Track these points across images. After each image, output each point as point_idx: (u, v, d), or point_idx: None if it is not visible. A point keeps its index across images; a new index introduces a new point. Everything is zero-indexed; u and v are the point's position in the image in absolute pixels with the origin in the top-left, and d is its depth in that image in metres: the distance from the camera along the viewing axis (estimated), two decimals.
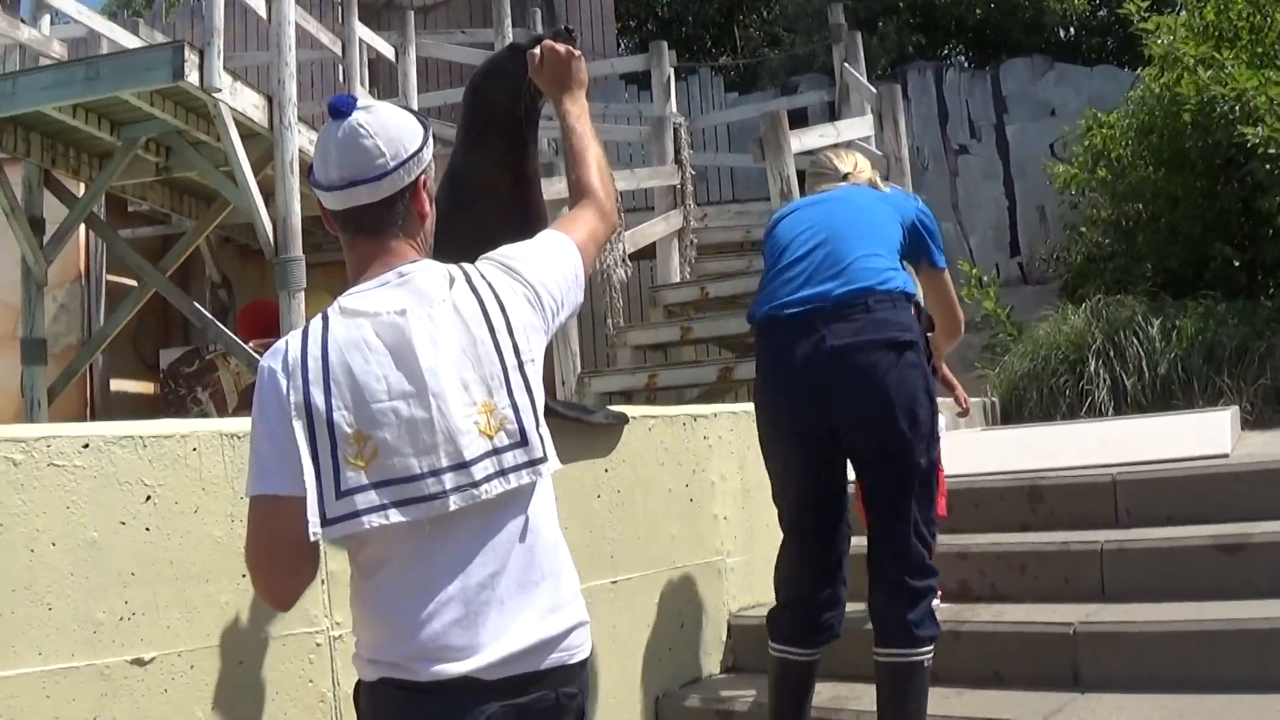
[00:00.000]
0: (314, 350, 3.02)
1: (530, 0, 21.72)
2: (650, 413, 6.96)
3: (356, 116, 3.16)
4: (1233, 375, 11.38)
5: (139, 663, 4.30)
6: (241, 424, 4.65)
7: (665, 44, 16.43)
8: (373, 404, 2.95)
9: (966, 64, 23.12)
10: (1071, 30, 24.20)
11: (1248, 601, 6.06)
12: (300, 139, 11.87)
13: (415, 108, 15.38)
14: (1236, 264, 13.40)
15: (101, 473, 4.29)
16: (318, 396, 2.94)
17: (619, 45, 25.49)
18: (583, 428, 6.29)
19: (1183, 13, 15.07)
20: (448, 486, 2.92)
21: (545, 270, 3.33)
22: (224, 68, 10.99)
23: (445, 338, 3.04)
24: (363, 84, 15.39)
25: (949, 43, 24.28)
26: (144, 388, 14.98)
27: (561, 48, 4.06)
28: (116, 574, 4.28)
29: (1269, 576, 6.24)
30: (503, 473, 2.99)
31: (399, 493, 2.90)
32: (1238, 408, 10.34)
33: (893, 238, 5.66)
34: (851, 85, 15.10)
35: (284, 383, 2.99)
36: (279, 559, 2.99)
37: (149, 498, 4.41)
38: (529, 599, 3.02)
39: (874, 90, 13.72)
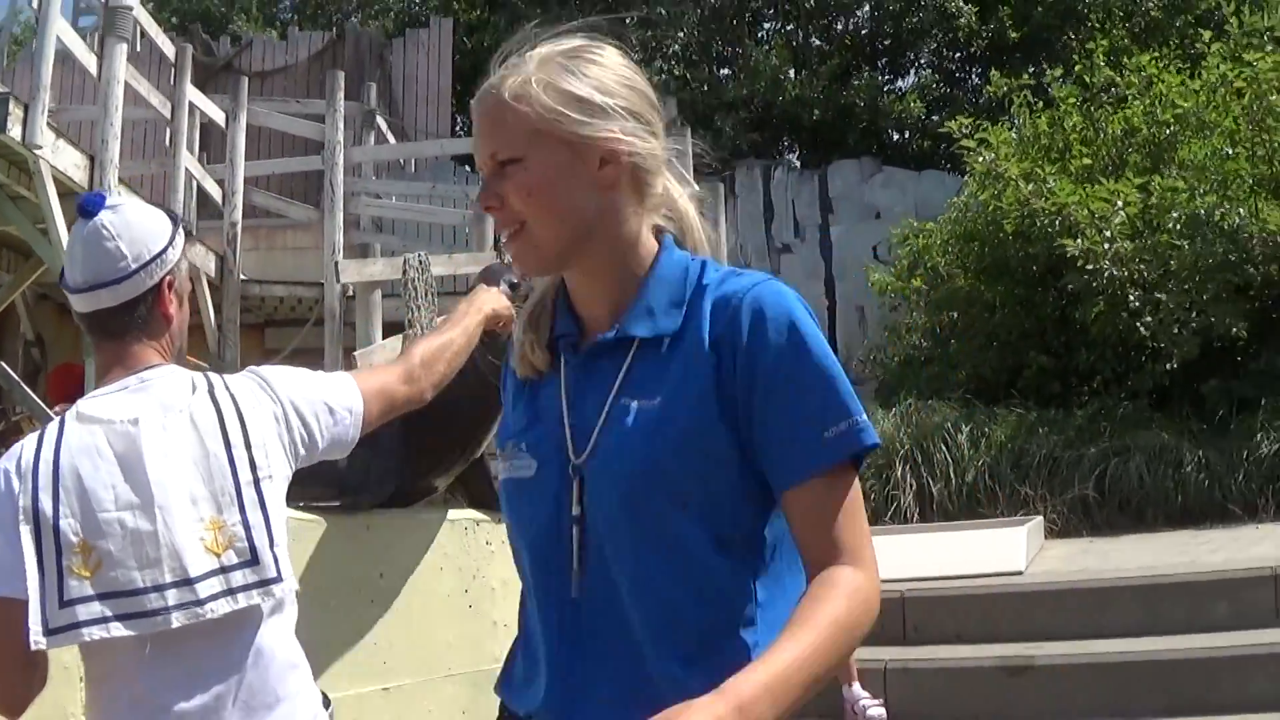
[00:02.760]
0: (47, 454, 2.91)
1: (368, 75, 21.61)
2: (430, 515, 6.74)
3: (102, 217, 3.07)
4: (1041, 484, 11.38)
5: None
6: None
7: None
8: (99, 513, 2.84)
9: (797, 163, 23.23)
10: (906, 133, 24.42)
11: None
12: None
13: (242, 173, 15.22)
14: (1051, 372, 13.43)
15: None
16: (46, 502, 2.83)
17: (455, 124, 25.38)
18: (355, 530, 6.06)
19: (1010, 127, 15.28)
20: (170, 603, 2.81)
21: (299, 392, 3.22)
22: (49, 123, 10.64)
23: (176, 449, 2.95)
24: (191, 148, 15.08)
25: (782, 141, 24.41)
26: None
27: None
28: None
29: (1053, 699, 6.16)
30: (230, 592, 2.88)
31: (121, 606, 2.79)
32: (1041, 519, 10.34)
33: None
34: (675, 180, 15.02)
35: (16, 485, 2.86)
36: (7, 663, 2.84)
37: None
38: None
39: (695, 188, 13.65)
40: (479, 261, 14.07)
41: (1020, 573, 7.65)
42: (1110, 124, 14.47)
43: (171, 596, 2.81)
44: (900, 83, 26.44)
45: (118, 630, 2.76)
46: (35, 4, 19.55)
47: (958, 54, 25.30)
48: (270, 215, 17.91)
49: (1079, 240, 12.40)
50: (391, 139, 20.58)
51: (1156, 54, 15.17)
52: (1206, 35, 14.86)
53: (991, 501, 11.49)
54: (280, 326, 16.21)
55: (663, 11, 26.59)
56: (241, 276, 14.82)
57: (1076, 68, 16.23)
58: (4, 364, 12.60)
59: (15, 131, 10.30)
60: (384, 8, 29.42)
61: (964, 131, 14.57)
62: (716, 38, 27.27)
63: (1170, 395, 12.55)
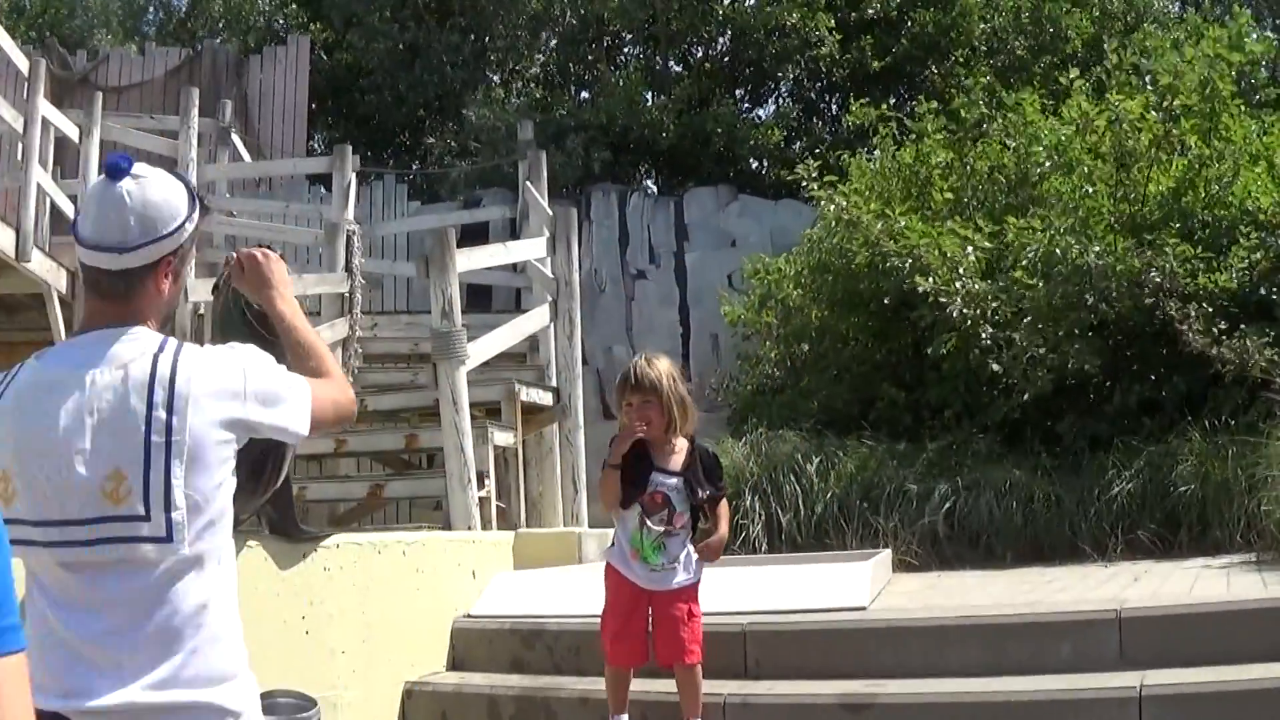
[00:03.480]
0: (3, 387, 3.27)
1: (224, 91, 21.36)
2: (263, 541, 6.57)
3: (124, 184, 3.32)
4: (890, 517, 11.37)
5: None
6: None
7: (349, 148, 16.07)
8: (19, 448, 3.14)
9: (653, 189, 23.20)
10: (764, 161, 24.45)
11: None
12: None
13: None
14: (902, 405, 13.44)
15: None
16: None
17: (310, 140, 25.17)
18: None
19: (869, 159, 15.39)
20: (54, 539, 3.09)
21: (268, 380, 3.43)
22: None
23: (97, 402, 3.15)
24: (44, 163, 14.76)
25: (639, 166, 24.37)
26: None
27: (257, 251, 4.15)
28: None
29: None
30: (118, 540, 3.09)
31: (17, 533, 3.00)
32: (890, 551, 10.31)
33: None
34: (530, 204, 14.92)
35: None
36: None
37: None
38: (139, 666, 3.08)
39: (550, 212, 13.55)
40: (328, 282, 13.89)
41: (864, 608, 7.58)
42: (978, 160, 14.53)
43: (55, 533, 3.08)
44: (760, 111, 26.52)
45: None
46: None
47: (818, 83, 25.38)
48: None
49: (930, 279, 12.43)
50: (247, 156, 20.32)
51: (1028, 91, 15.28)
52: (1073, 74, 14.97)
53: (840, 533, 11.49)
54: None
55: (522, 34, 26.54)
56: None
57: (956, 102, 16.28)
58: None
59: None
60: (243, 26, 29.10)
61: (812, 176, 14.64)
62: (574, 61, 27.24)
63: (1022, 431, 12.60)
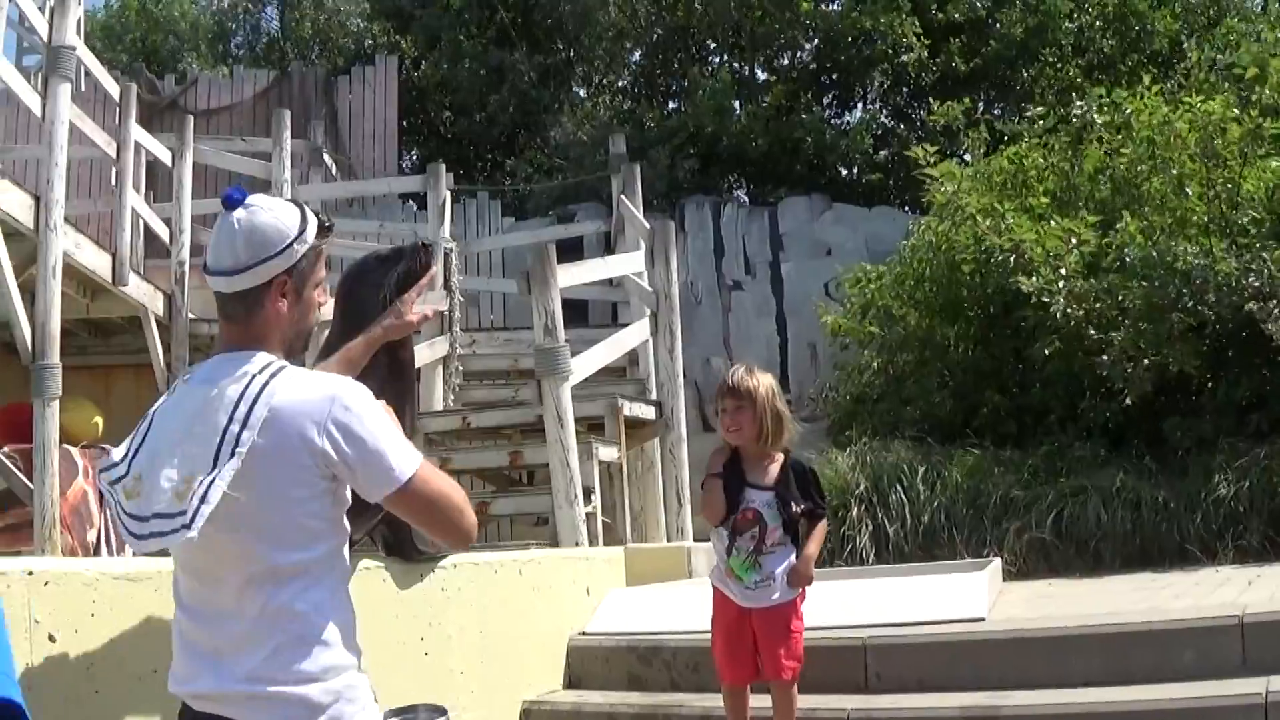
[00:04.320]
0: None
1: (314, 112, 21.48)
2: (383, 563, 6.60)
3: (236, 214, 3.55)
4: (997, 525, 11.32)
5: None
6: None
7: (443, 167, 16.13)
8: (149, 453, 3.47)
9: (745, 199, 23.15)
10: (854, 169, 24.37)
11: None
12: (65, 241, 11.36)
13: (189, 212, 14.94)
14: (1006, 411, 13.36)
15: None
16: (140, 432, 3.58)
17: (401, 159, 25.29)
18: None
19: (960, 162, 15.29)
20: (133, 530, 3.41)
21: (363, 430, 3.48)
22: None
23: (189, 414, 3.44)
24: (137, 187, 14.90)
25: (729, 176, 24.32)
26: None
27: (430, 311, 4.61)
28: None
29: None
30: (157, 535, 3.38)
31: (128, 525, 3.43)
32: (999, 561, 10.23)
33: None
34: (626, 218, 14.94)
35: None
36: None
37: None
38: (234, 658, 3.40)
39: (647, 225, 13.56)
40: (428, 301, 13.91)
41: (983, 619, 7.55)
42: (1085, 160, 14.40)
43: (135, 526, 3.40)
44: (847, 116, 26.41)
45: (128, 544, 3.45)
46: None
47: (905, 88, 25.25)
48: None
49: (1034, 278, 12.35)
50: (338, 176, 20.42)
51: (1134, 89, 15.08)
52: (1150, 77, 14.84)
53: (948, 542, 11.43)
54: None
55: (602, 51, 26.55)
56: (190, 315, 14.64)
57: (1053, 102, 16.15)
58: None
59: None
60: (333, 46, 29.29)
61: (928, 160, 14.54)
62: (660, 71, 27.22)
63: (1126, 434, 12.50)
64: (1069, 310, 12.20)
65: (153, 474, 3.38)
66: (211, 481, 3.30)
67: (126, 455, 3.52)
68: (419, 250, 5.35)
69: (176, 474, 3.34)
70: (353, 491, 3.56)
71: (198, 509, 3.28)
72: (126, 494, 3.44)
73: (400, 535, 6.56)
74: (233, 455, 3.32)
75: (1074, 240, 12.65)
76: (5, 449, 11.49)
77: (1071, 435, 12.66)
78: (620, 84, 28.11)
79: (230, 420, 3.35)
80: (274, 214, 3.57)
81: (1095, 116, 14.57)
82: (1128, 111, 14.13)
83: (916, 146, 15.11)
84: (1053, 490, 11.52)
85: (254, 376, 3.43)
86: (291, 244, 3.57)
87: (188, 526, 3.28)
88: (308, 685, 3.41)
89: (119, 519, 3.45)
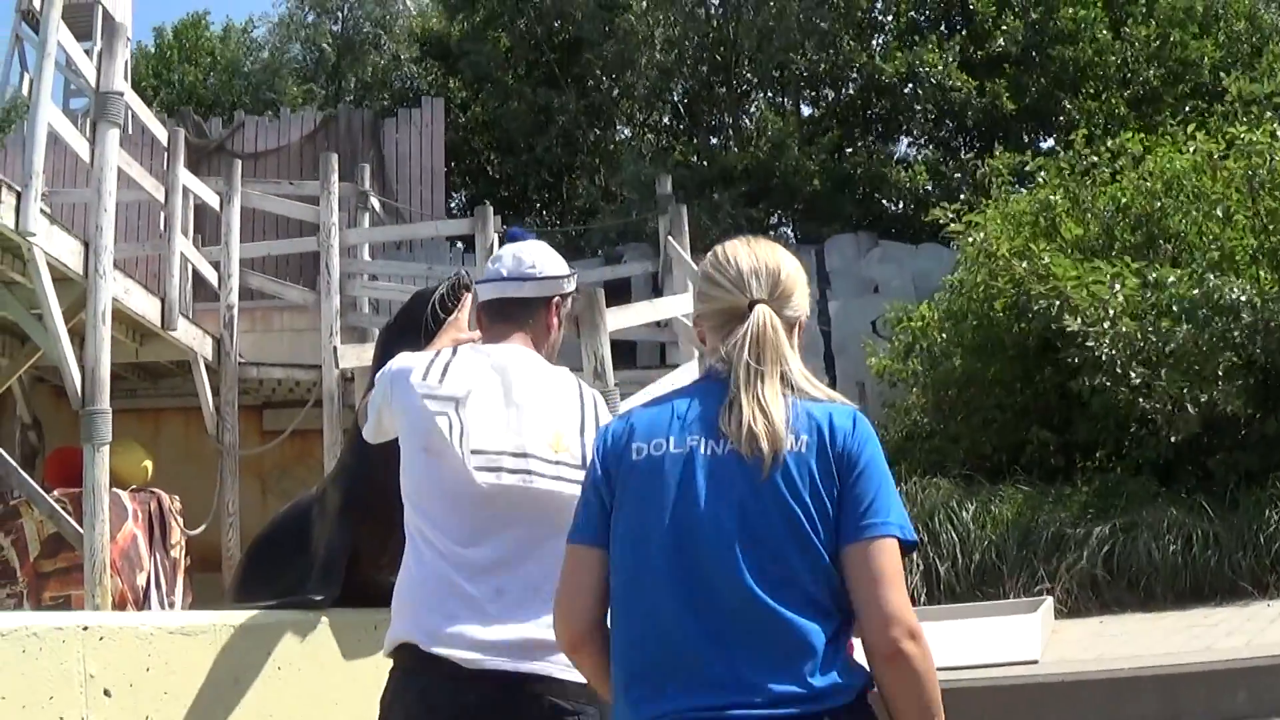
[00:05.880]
0: (443, 362, 4.06)
1: (360, 155, 21.57)
2: None
3: (523, 243, 4.19)
4: (1048, 561, 11.29)
5: None
6: (6, 621, 4.51)
7: (490, 209, 16.17)
8: (475, 400, 3.96)
9: (793, 237, 23.15)
10: (900, 204, 24.34)
11: None
12: (115, 287, 11.41)
13: (237, 255, 15.03)
14: (1052, 447, 13.32)
15: None
16: (448, 388, 3.98)
17: (449, 201, 25.38)
18: (362, 629, 5.96)
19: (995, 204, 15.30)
20: (508, 466, 3.83)
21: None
22: (42, 209, 10.46)
23: (543, 382, 3.99)
24: (185, 231, 14.95)
25: (776, 213, 24.32)
26: None
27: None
28: None
29: None
30: (556, 479, 3.82)
31: (479, 460, 3.84)
32: (1051, 600, 10.21)
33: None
34: (674, 259, 14.95)
35: (427, 377, 3.98)
36: None
37: None
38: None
39: (695, 267, 13.56)
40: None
41: (1036, 661, 7.53)
42: (1097, 200, 14.41)
43: (512, 462, 3.76)
44: (891, 148, 26.39)
45: (483, 478, 3.73)
46: (25, 89, 19.55)
47: (951, 124, 25.23)
48: (266, 297, 17.81)
49: (1078, 319, 12.32)
50: (385, 219, 20.49)
51: (1144, 128, 15.10)
52: (1190, 117, 14.86)
53: (999, 579, 11.39)
54: (278, 408, 16.10)
55: (645, 89, 26.60)
56: (239, 359, 14.72)
57: (1076, 138, 16.14)
58: (0, 448, 12.48)
59: (8, 219, 10.12)
60: (379, 87, 29.45)
61: (950, 217, 14.55)
62: (705, 109, 27.26)
63: (1175, 468, 12.44)
64: (1112, 352, 12.15)
65: (504, 419, 3.87)
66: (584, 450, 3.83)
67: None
68: (455, 280, 5.48)
69: (543, 425, 3.88)
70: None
71: None
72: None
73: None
74: (581, 433, 3.91)
75: (1118, 284, 12.60)
76: (55, 493, 11.54)
77: (1120, 470, 12.61)
78: (664, 122, 28.18)
79: (581, 405, 3.99)
80: (549, 248, 4.21)
81: (1103, 153, 14.66)
82: (1143, 153, 14.22)
83: (937, 208, 15.08)
84: (1103, 526, 11.48)
85: (568, 373, 4.09)
86: (568, 275, 4.20)
87: None
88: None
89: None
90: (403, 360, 4.03)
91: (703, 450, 3.08)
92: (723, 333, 3.21)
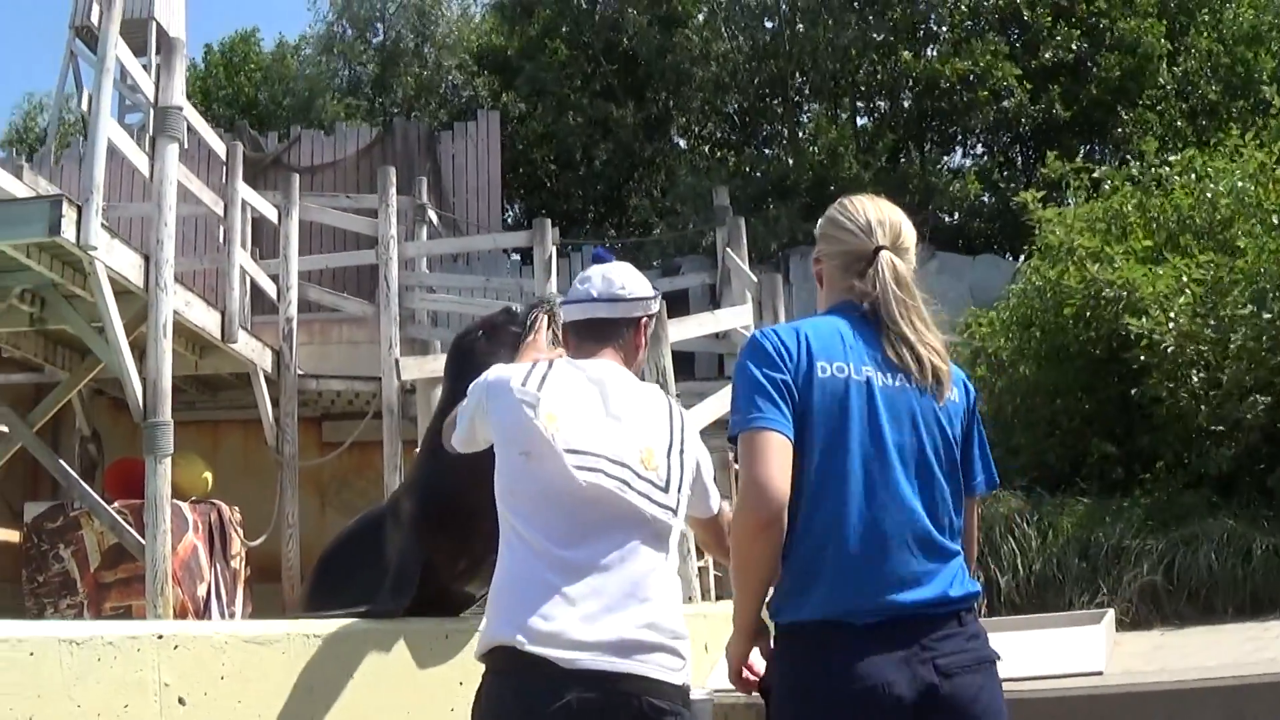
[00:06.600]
0: (540, 374, 4.15)
1: (417, 168, 21.64)
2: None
3: (612, 264, 4.34)
4: (1108, 574, 11.24)
5: None
6: (82, 630, 4.52)
7: (548, 222, 16.26)
8: (572, 408, 4.09)
9: None
10: (957, 214, 24.30)
11: None
12: (175, 300, 11.49)
13: (296, 268, 15.12)
14: (1113, 459, 13.28)
15: None
16: (542, 397, 4.07)
17: (505, 213, 25.44)
18: (433, 639, 5.99)
19: (1073, 202, 15.28)
20: (607, 470, 3.92)
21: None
22: (102, 223, 10.54)
23: (637, 397, 4.10)
24: (244, 244, 15.04)
25: None
26: (8, 536, 14.30)
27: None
28: None
29: None
30: (642, 495, 3.92)
31: (576, 460, 3.94)
32: (1113, 612, 10.15)
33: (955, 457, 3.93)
34: (733, 271, 14.97)
35: (520, 382, 4.09)
36: None
37: None
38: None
39: (754, 278, 13.59)
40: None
41: (1100, 673, 7.50)
42: (1161, 210, 14.39)
43: (610, 467, 3.84)
44: (947, 160, 26.38)
45: (584, 476, 3.80)
46: (84, 105, 19.66)
47: (1006, 134, 25.18)
48: (325, 310, 17.89)
49: (1143, 320, 12.29)
50: (442, 232, 20.56)
51: (1201, 142, 15.08)
52: (1236, 130, 14.83)
53: (1060, 592, 11.36)
54: (337, 420, 16.17)
55: (700, 102, 26.61)
56: (298, 371, 14.80)
57: (1147, 148, 16.10)
58: (61, 460, 12.57)
59: (69, 233, 10.18)
60: (436, 99, 29.54)
61: (1036, 204, 14.55)
62: (762, 120, 27.27)
63: (1236, 479, 12.38)
64: (1179, 348, 12.12)
65: (601, 426, 3.97)
66: (681, 475, 4.03)
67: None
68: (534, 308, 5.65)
69: (634, 438, 3.98)
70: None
71: (679, 497, 4.04)
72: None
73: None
74: (682, 452, 4.06)
75: (1185, 278, 12.57)
76: (116, 504, 11.63)
77: (1180, 482, 12.54)
78: (718, 134, 28.19)
79: (670, 420, 4.09)
80: (636, 270, 4.39)
81: (1175, 176, 14.66)
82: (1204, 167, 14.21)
83: (1024, 192, 15.09)
84: (1164, 538, 11.42)
85: (657, 391, 4.25)
86: (654, 297, 4.36)
87: (674, 512, 4.02)
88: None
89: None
90: (499, 370, 4.13)
91: (878, 381, 3.70)
92: (851, 272, 3.85)
